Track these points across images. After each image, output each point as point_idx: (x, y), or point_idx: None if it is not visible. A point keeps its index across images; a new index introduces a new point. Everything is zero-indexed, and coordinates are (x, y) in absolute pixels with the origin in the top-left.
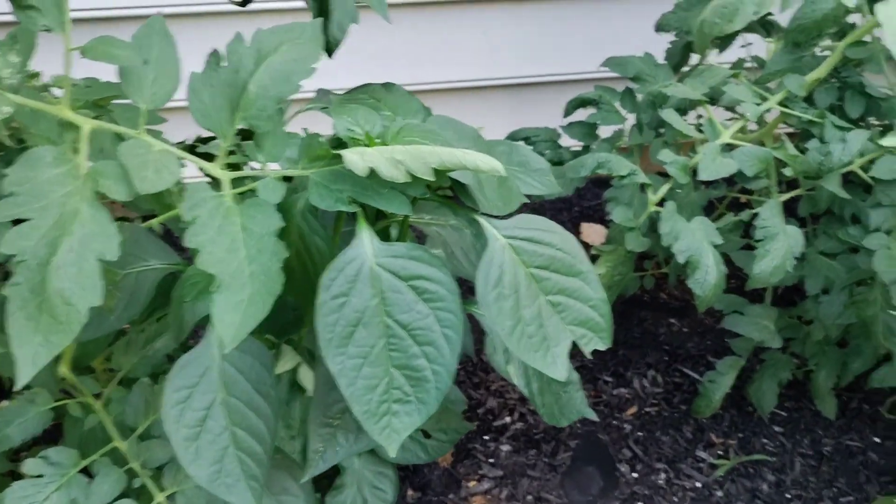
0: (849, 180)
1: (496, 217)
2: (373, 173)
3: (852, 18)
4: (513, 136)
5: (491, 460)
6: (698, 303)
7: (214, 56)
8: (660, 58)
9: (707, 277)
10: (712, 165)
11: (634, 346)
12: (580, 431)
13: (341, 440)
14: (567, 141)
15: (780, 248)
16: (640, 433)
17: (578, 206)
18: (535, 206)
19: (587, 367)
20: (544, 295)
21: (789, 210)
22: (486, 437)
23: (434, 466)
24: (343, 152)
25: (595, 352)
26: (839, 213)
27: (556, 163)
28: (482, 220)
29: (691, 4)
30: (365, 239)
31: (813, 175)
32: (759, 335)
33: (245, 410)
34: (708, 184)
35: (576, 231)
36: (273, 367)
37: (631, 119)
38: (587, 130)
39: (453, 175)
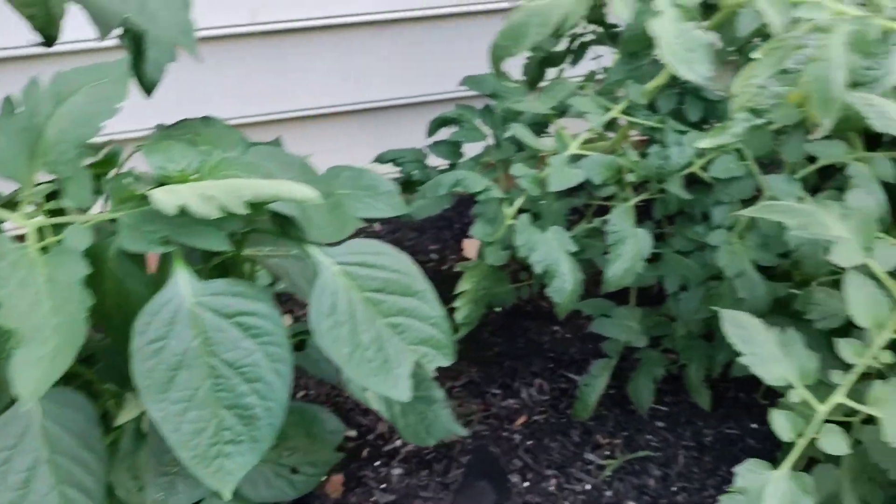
0: (697, 181)
1: (330, 245)
2: (185, 211)
3: None
4: (380, 159)
5: (383, 486)
6: (557, 310)
7: (7, 102)
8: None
9: (564, 285)
10: (560, 176)
11: (519, 356)
12: (471, 447)
13: (181, 487)
14: (436, 160)
15: (629, 250)
16: (529, 442)
17: (459, 223)
18: (417, 225)
19: (475, 381)
20: (383, 318)
21: (647, 213)
22: (377, 463)
23: (324, 498)
24: (150, 192)
25: (481, 365)
26: (691, 212)
27: (424, 182)
28: (312, 249)
29: None
30: (180, 279)
31: (655, 178)
32: (626, 336)
33: (72, 467)
34: (571, 192)
35: (458, 247)
36: (97, 419)
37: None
38: (451, 149)
39: (276, 207)
